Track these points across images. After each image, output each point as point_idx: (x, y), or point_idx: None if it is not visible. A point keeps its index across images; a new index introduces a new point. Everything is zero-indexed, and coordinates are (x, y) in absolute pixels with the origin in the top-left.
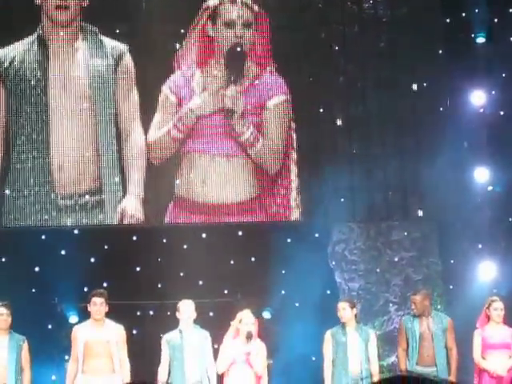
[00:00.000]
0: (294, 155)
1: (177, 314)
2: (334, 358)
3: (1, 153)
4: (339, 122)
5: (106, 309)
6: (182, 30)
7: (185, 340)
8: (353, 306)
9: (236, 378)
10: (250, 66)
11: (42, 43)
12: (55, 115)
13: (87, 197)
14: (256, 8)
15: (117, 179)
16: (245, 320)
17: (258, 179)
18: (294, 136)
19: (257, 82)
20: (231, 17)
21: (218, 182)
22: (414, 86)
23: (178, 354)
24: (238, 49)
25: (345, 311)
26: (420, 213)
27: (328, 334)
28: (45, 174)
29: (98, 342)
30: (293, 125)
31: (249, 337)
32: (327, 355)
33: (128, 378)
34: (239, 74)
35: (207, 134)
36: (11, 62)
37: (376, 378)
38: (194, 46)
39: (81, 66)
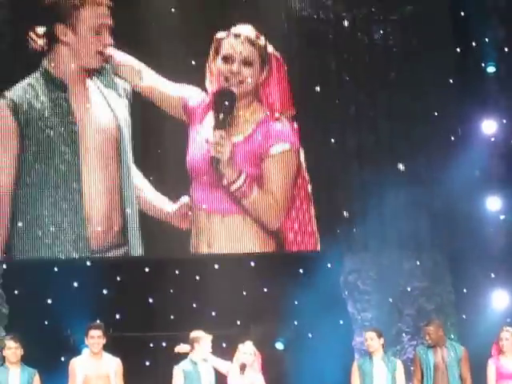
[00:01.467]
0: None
1: (195, 344)
2: None
3: (12, 185)
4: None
5: (103, 341)
6: (193, 62)
7: (201, 370)
8: (380, 336)
9: None
10: (255, 109)
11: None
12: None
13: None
14: (270, 49)
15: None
16: (242, 350)
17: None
18: (308, 186)
19: (259, 129)
20: (229, 51)
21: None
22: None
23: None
24: (231, 89)
25: (372, 341)
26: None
27: (355, 365)
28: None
29: (98, 375)
30: (304, 173)
31: (242, 368)
32: None
33: None
34: (227, 116)
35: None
36: (29, 105)
37: None
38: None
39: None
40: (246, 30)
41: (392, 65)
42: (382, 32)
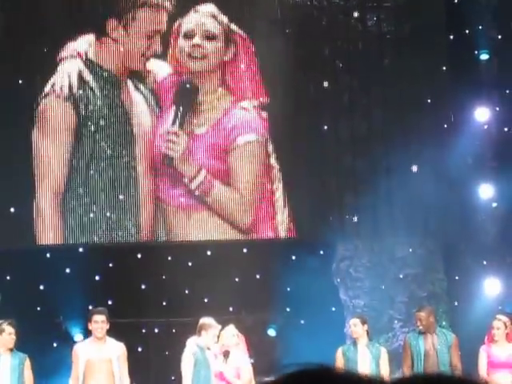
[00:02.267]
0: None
1: (203, 331)
2: None
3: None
4: (343, 139)
5: (107, 326)
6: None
7: (208, 357)
8: (364, 322)
9: None
10: (221, 95)
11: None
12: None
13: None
14: (234, 27)
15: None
16: (225, 334)
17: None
18: (277, 174)
19: (223, 119)
20: (190, 26)
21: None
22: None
23: (203, 371)
24: (188, 85)
25: (356, 327)
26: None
27: (339, 352)
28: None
29: (100, 360)
30: (273, 162)
31: (225, 355)
32: None
33: None
34: (186, 111)
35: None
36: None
37: None
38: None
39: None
40: (209, 7)
41: (385, 52)
42: (375, 19)
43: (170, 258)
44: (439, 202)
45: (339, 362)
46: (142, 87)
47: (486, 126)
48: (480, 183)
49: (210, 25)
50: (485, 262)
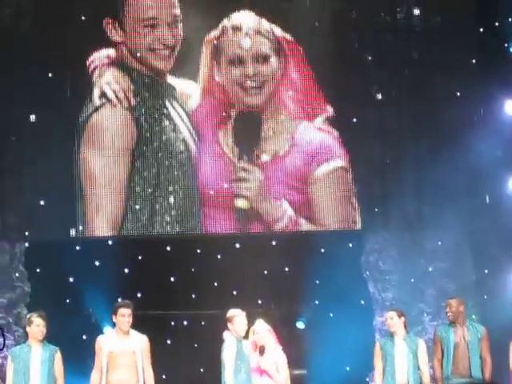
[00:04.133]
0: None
1: (229, 324)
2: (384, 369)
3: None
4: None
5: (132, 319)
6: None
7: (245, 349)
8: (401, 315)
9: None
10: (282, 121)
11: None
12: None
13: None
14: (279, 33)
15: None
16: (256, 330)
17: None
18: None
19: (295, 141)
20: (236, 50)
21: None
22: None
23: (243, 363)
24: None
25: (392, 320)
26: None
27: (377, 346)
28: None
29: (124, 352)
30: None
31: (261, 351)
32: (378, 367)
33: None
34: (253, 145)
35: None
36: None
37: None
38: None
39: None
40: (246, 18)
41: (415, 45)
42: (404, 11)
43: (198, 251)
44: (468, 195)
45: (377, 356)
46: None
47: None
48: (509, 176)
49: (258, 42)
50: None
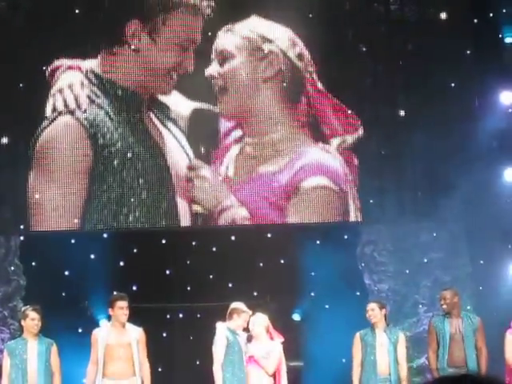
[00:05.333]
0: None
1: (235, 315)
2: (363, 360)
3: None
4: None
5: (128, 312)
6: None
7: (240, 341)
8: (382, 307)
9: (252, 379)
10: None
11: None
12: None
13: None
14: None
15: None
16: (252, 321)
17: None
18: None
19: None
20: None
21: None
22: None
23: (236, 354)
24: None
25: (373, 312)
26: None
27: (357, 336)
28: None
29: (120, 345)
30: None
31: (249, 339)
32: (356, 357)
33: (148, 381)
34: None
35: None
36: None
37: (405, 381)
38: None
39: None
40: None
41: (409, 36)
42: (398, 2)
43: (194, 243)
44: (464, 186)
45: (356, 347)
46: (164, 118)
47: (510, 110)
48: (505, 166)
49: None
50: (510, 246)
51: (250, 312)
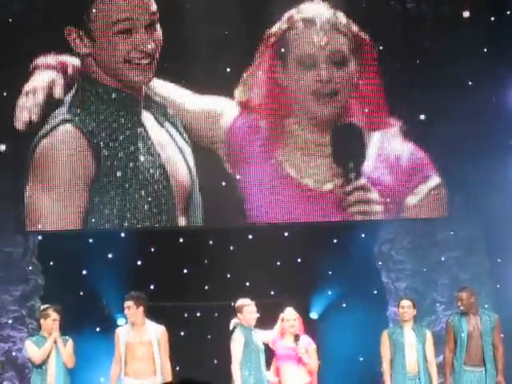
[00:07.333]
0: None
1: (238, 314)
2: (392, 359)
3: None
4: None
5: (139, 310)
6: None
7: (255, 339)
8: (415, 305)
9: (289, 376)
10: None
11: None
12: None
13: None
14: (355, 29)
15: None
16: (286, 317)
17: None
18: None
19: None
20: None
21: None
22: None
23: (253, 353)
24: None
25: (408, 309)
26: None
27: (385, 335)
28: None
29: (140, 344)
30: None
31: (296, 339)
32: (385, 356)
33: (170, 379)
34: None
35: None
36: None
37: (435, 379)
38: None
39: None
40: (321, 9)
41: (425, 33)
42: (415, 0)
43: (211, 243)
44: (481, 184)
45: (385, 345)
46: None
47: None
48: None
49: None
50: None
51: (253, 303)
